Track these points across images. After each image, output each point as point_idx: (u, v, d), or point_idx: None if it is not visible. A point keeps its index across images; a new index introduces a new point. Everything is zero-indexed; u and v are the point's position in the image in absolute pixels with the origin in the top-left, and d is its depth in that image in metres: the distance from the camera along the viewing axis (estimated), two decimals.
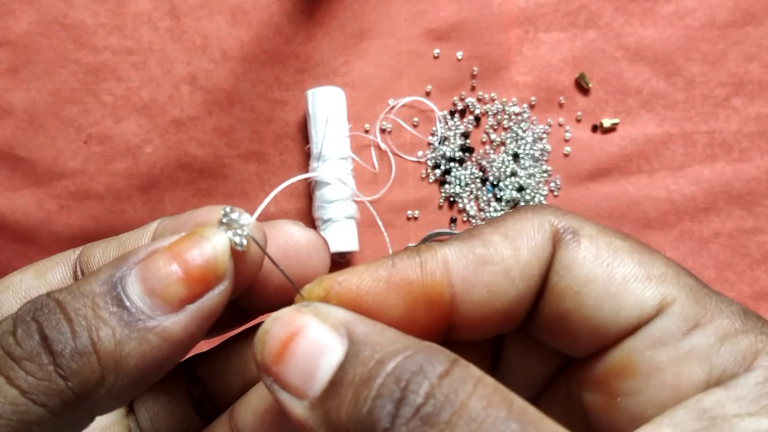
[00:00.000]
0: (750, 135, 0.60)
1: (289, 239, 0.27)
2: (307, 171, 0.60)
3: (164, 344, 0.21)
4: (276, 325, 0.21)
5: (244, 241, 0.24)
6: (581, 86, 0.61)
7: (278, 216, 0.61)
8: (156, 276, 0.22)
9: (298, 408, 0.21)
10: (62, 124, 0.60)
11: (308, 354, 0.21)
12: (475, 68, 0.61)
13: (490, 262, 0.23)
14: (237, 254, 0.24)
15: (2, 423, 0.20)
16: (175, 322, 0.22)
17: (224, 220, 0.24)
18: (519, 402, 0.19)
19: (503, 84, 0.61)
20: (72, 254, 0.28)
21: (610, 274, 0.23)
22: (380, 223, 0.28)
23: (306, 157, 0.60)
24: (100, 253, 0.27)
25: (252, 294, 0.27)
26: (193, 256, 0.22)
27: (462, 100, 0.61)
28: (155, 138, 0.60)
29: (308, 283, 0.24)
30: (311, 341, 0.21)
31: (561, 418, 0.25)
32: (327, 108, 0.58)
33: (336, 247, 0.57)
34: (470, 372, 0.20)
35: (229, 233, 0.23)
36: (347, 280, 0.23)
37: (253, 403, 0.27)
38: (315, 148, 0.58)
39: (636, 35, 0.60)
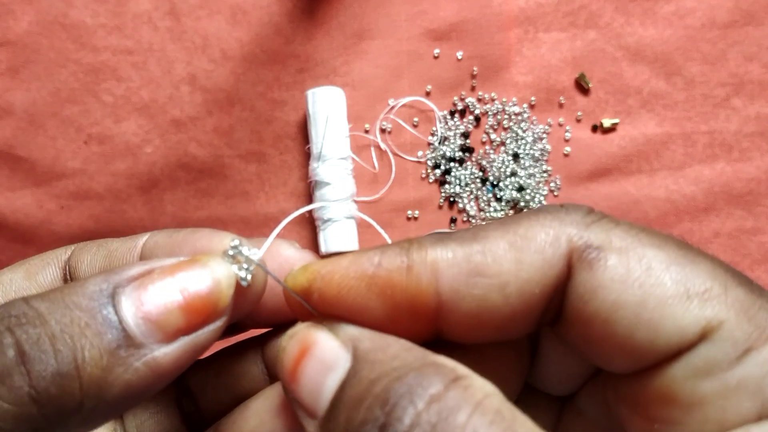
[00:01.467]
0: (750, 135, 0.60)
1: (284, 263, 0.25)
2: (306, 171, 0.60)
3: (151, 374, 0.20)
4: (291, 342, 0.21)
5: (249, 277, 0.23)
6: (581, 86, 0.61)
7: (279, 216, 0.61)
8: (156, 301, 0.20)
9: (310, 428, 0.20)
10: (62, 124, 0.60)
11: (316, 372, 0.20)
12: (475, 68, 0.61)
13: (485, 275, 0.21)
14: (239, 288, 0.22)
15: None
16: (166, 353, 0.20)
17: (231, 253, 0.23)
18: None
19: (503, 84, 0.61)
20: (63, 254, 0.26)
21: (643, 298, 0.20)
22: (378, 227, 0.27)
23: (306, 157, 0.60)
24: (88, 259, 0.25)
25: (247, 315, 0.26)
26: (197, 287, 0.21)
27: (462, 100, 0.61)
28: (155, 138, 0.60)
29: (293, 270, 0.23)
30: (319, 358, 0.20)
31: (596, 420, 0.25)
32: (327, 108, 0.58)
33: (336, 247, 0.57)
34: (468, 395, 0.18)
35: (235, 267, 0.22)
36: (330, 273, 0.22)
37: (239, 421, 0.25)
38: (315, 148, 0.58)
39: (636, 35, 0.60)
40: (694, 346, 0.20)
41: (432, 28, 0.60)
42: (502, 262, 0.21)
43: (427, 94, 0.61)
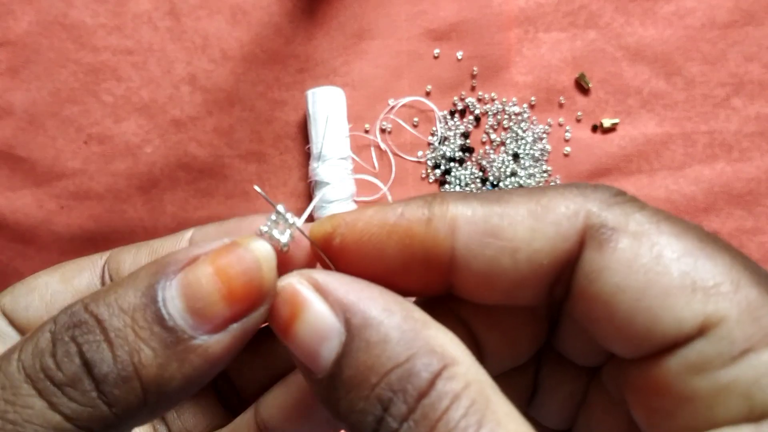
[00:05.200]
0: (750, 135, 0.60)
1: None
2: (306, 171, 0.60)
3: (205, 364, 0.20)
4: (280, 301, 0.21)
5: (288, 240, 0.23)
6: (581, 86, 0.61)
7: None
8: (198, 293, 0.20)
9: (311, 383, 0.21)
10: (62, 124, 0.60)
11: (309, 339, 0.20)
12: (475, 68, 0.61)
13: (499, 237, 0.21)
14: (281, 258, 0.22)
15: None
16: (217, 341, 0.20)
17: (268, 223, 0.23)
18: None
19: (503, 84, 0.61)
20: (99, 260, 0.27)
21: (646, 285, 0.20)
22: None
23: (306, 157, 0.60)
24: (130, 260, 0.26)
25: None
26: (237, 273, 0.21)
27: (462, 100, 0.61)
28: (155, 138, 0.60)
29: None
30: (312, 325, 0.20)
31: (617, 398, 0.25)
32: (327, 108, 0.58)
33: None
34: (449, 388, 0.18)
35: (275, 232, 0.22)
36: (354, 221, 0.22)
37: (279, 398, 0.26)
38: (315, 148, 0.58)
39: (636, 35, 0.60)
40: (691, 340, 0.19)
41: (432, 28, 0.60)
42: (518, 227, 0.21)
43: (427, 94, 0.61)
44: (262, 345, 0.28)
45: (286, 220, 0.23)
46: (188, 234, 0.26)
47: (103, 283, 0.26)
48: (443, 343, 0.20)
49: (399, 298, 0.21)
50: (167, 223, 0.60)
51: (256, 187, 0.24)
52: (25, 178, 0.60)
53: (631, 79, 0.61)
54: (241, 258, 0.21)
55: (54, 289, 0.26)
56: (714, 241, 0.21)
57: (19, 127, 0.59)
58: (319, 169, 0.58)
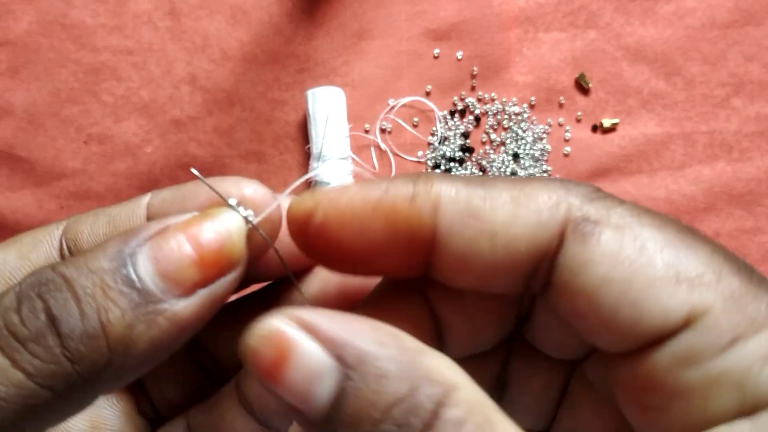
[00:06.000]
0: (750, 135, 0.60)
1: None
2: (307, 171, 0.60)
3: (173, 327, 0.21)
4: (263, 345, 0.20)
5: (252, 219, 0.23)
6: (581, 86, 0.61)
7: None
8: (169, 257, 0.21)
9: (302, 421, 0.20)
10: (62, 124, 0.60)
11: (302, 381, 0.19)
12: (475, 68, 0.61)
13: (480, 219, 0.21)
14: (252, 235, 0.23)
15: (6, 406, 0.19)
16: (185, 306, 0.21)
17: (239, 199, 0.23)
18: None
19: (503, 84, 0.61)
20: (55, 230, 0.26)
21: (631, 276, 0.20)
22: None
23: (306, 157, 0.60)
24: (88, 229, 0.25)
25: (253, 267, 0.26)
26: (209, 240, 0.21)
27: (462, 100, 0.61)
28: (155, 138, 0.60)
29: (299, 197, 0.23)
30: (304, 367, 0.19)
31: (604, 393, 0.24)
32: (327, 108, 0.58)
33: None
34: (455, 415, 0.18)
35: (246, 212, 0.23)
36: (338, 197, 0.22)
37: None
38: (315, 148, 0.58)
39: (636, 35, 0.60)
40: (678, 332, 0.19)
41: (432, 28, 0.60)
42: (499, 211, 0.21)
43: (427, 94, 0.61)
44: (234, 318, 0.28)
45: (246, 215, 0.23)
46: (145, 199, 0.26)
47: (61, 255, 0.26)
48: (441, 369, 0.19)
49: (389, 328, 0.20)
50: None
51: (194, 170, 0.24)
52: (25, 178, 0.60)
53: (631, 79, 0.61)
54: (213, 225, 0.22)
55: (12, 265, 0.25)
56: (693, 232, 0.21)
57: (19, 127, 0.59)
58: (319, 169, 0.58)
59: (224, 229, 0.22)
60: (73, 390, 0.20)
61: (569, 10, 0.60)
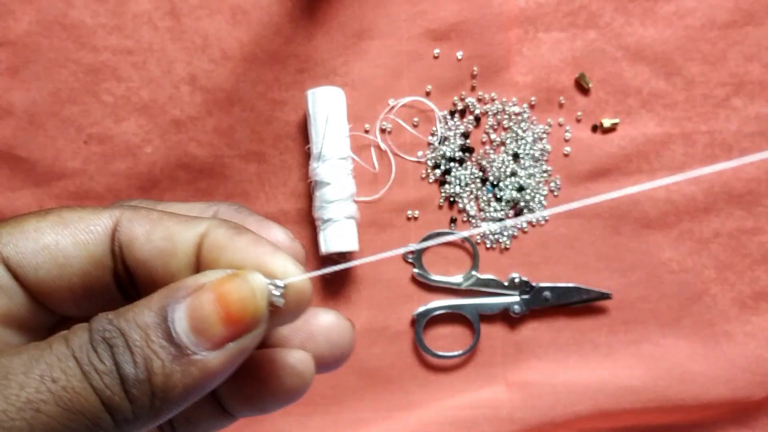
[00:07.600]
0: (750, 135, 0.60)
1: (317, 325, 0.30)
2: (306, 171, 0.60)
3: (204, 376, 0.24)
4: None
5: (282, 301, 0.26)
6: (581, 86, 0.61)
7: (279, 216, 0.61)
8: (201, 316, 0.24)
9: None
10: (62, 124, 0.60)
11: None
12: (475, 68, 0.61)
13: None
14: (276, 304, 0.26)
15: (82, 422, 0.23)
16: (215, 357, 0.24)
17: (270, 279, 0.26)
18: None
19: (503, 84, 0.61)
20: (106, 219, 0.28)
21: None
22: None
23: (306, 157, 0.60)
24: (144, 237, 0.28)
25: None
26: (234, 300, 0.25)
27: (462, 100, 0.61)
28: (155, 138, 0.60)
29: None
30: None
31: None
32: (327, 108, 0.58)
33: (336, 247, 0.57)
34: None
35: (271, 288, 0.26)
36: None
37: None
38: (315, 148, 0.58)
39: (636, 35, 0.60)
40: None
41: (432, 28, 0.60)
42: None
43: (427, 94, 0.61)
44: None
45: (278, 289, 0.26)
46: (203, 227, 0.28)
47: (113, 254, 0.28)
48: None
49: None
50: None
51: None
52: (25, 178, 0.60)
53: (631, 79, 0.61)
54: (239, 287, 0.25)
55: (67, 252, 0.27)
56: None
57: (19, 127, 0.59)
58: (319, 169, 0.58)
59: (249, 290, 0.25)
60: (124, 424, 0.24)
61: (569, 10, 0.60)
